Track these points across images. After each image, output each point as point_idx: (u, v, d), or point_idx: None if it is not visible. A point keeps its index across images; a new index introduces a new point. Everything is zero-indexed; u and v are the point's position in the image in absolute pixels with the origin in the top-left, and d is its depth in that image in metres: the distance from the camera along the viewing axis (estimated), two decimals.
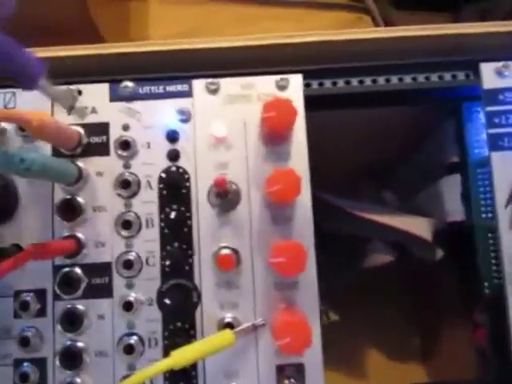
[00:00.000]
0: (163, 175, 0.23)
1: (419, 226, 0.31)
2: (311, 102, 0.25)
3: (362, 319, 0.42)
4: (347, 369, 0.43)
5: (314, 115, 0.26)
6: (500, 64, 0.25)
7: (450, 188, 0.29)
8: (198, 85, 0.24)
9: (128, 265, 0.23)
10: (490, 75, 0.25)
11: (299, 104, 0.24)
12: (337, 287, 0.40)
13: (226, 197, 0.23)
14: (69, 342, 0.23)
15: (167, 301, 0.23)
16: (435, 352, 0.41)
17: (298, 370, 0.23)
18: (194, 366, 0.23)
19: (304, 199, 0.24)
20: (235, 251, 0.23)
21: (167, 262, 0.23)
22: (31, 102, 0.24)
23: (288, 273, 0.21)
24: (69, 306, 0.23)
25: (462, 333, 0.34)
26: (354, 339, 0.43)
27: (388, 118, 0.30)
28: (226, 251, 0.23)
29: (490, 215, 0.26)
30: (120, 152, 0.24)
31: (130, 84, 0.24)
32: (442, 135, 0.30)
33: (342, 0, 0.43)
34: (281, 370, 0.23)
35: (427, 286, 0.41)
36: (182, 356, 0.20)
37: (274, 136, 0.23)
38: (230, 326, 0.23)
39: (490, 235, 0.26)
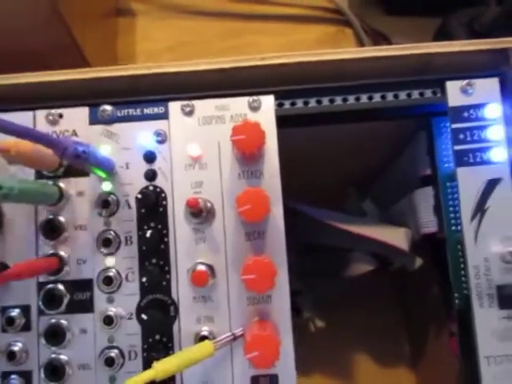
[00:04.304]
0: (139, 195, 0.24)
1: (396, 237, 0.32)
2: (285, 120, 0.26)
3: (352, 326, 0.43)
4: (337, 376, 0.44)
5: (293, 130, 0.27)
6: (465, 82, 0.25)
7: (424, 200, 0.30)
8: (174, 107, 0.25)
9: (108, 281, 0.24)
10: (456, 93, 0.26)
11: (271, 123, 0.25)
12: (325, 296, 0.41)
13: (200, 215, 0.24)
14: (53, 356, 0.24)
15: (146, 315, 0.24)
16: (424, 359, 0.42)
17: (272, 380, 0.24)
18: (172, 378, 0.24)
19: (276, 215, 0.25)
20: (210, 267, 0.24)
21: (145, 278, 0.24)
22: None
23: (258, 289, 0.22)
24: (52, 320, 0.24)
25: (447, 340, 0.34)
26: (344, 346, 0.44)
27: (367, 132, 0.31)
28: (201, 267, 0.24)
29: (459, 228, 0.27)
30: None
31: (108, 107, 0.25)
32: (416, 149, 0.30)
33: (324, 14, 0.43)
34: (255, 381, 0.24)
35: (415, 294, 0.42)
36: (164, 367, 0.21)
37: (246, 156, 0.24)
38: (205, 339, 0.24)
39: (459, 247, 0.27)
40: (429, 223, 0.29)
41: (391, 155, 0.36)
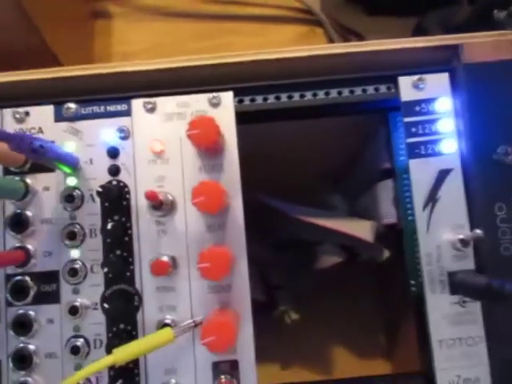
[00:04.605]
0: (100, 189, 0.24)
1: (361, 229, 0.33)
2: (245, 116, 0.27)
3: (327, 318, 0.44)
4: (313, 367, 0.45)
5: (260, 127, 0.28)
6: (416, 77, 0.27)
7: (384, 192, 0.31)
8: (137, 104, 0.26)
9: (74, 272, 0.25)
10: (408, 88, 0.27)
11: (231, 119, 0.26)
12: (299, 289, 0.42)
13: (161, 208, 0.25)
14: (21, 345, 0.25)
15: (110, 305, 0.25)
16: (398, 347, 0.43)
17: (233, 366, 0.25)
18: (136, 364, 0.25)
19: (236, 208, 0.25)
20: (172, 258, 0.25)
21: (109, 269, 0.25)
22: None
23: (212, 277, 0.23)
24: (20, 311, 0.25)
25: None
26: (319, 338, 0.45)
27: (334, 127, 0.32)
28: (163, 258, 0.25)
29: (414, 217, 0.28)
30: None
31: (72, 105, 0.26)
32: (377, 144, 0.31)
33: (297, 14, 0.45)
34: (217, 366, 0.25)
35: (387, 284, 0.43)
36: (123, 352, 0.22)
37: (205, 151, 0.25)
38: (168, 326, 0.25)
39: (415, 236, 0.28)
40: (389, 214, 0.30)
41: (357, 151, 0.37)
